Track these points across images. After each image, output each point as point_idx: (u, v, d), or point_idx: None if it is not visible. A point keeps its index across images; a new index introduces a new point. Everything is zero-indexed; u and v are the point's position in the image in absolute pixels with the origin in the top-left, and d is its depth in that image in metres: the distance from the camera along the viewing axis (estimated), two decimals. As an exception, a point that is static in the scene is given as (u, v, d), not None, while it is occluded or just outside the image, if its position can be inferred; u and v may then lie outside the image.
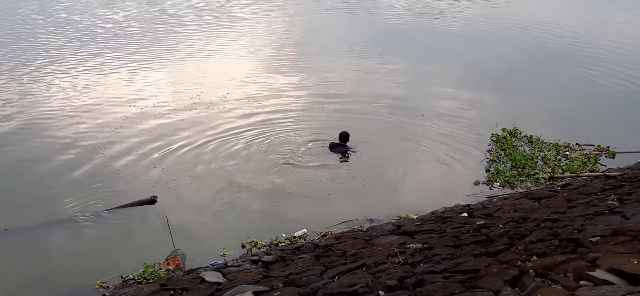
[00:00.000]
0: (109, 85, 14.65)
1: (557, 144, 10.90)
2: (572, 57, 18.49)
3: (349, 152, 10.72)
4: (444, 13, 26.85)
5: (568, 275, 3.74)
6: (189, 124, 11.91)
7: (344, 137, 10.79)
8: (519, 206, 7.58)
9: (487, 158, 10.49)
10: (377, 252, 6.03)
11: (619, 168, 9.73)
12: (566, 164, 10.09)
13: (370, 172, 10.06)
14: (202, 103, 13.16)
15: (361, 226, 8.02)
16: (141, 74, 15.81)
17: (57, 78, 15.07)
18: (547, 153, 10.59)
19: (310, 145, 11.02)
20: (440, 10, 27.59)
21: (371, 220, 8.23)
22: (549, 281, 3.72)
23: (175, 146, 10.90)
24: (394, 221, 8.04)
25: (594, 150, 10.75)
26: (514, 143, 10.90)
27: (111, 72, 15.84)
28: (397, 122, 12.27)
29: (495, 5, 28.40)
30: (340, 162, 10.50)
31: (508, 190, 9.29)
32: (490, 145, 11.04)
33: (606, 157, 10.56)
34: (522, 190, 9.21)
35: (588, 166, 10.01)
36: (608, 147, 10.78)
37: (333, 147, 10.78)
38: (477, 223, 6.53)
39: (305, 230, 7.91)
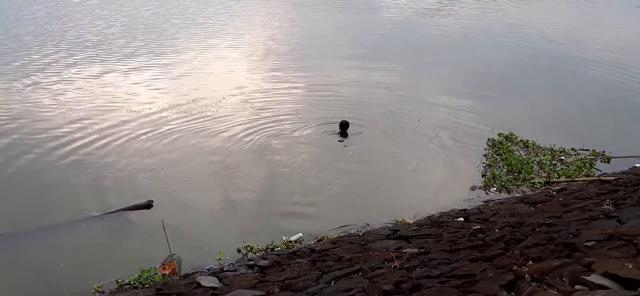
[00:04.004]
0: (105, 90, 14.60)
1: (552, 149, 10.93)
2: (567, 62, 18.57)
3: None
4: (441, 16, 26.89)
5: (563, 279, 3.75)
6: (184, 128, 11.88)
7: (344, 125, 11.60)
8: (514, 210, 7.60)
9: (483, 162, 10.51)
10: (373, 257, 6.03)
11: (614, 172, 9.76)
12: (562, 169, 10.12)
13: (366, 176, 10.06)
14: (197, 107, 13.14)
15: (357, 231, 8.02)
16: (137, 79, 15.76)
17: (52, 83, 15.00)
18: (542, 157, 10.62)
19: (306, 149, 11.04)
20: (438, 13, 27.62)
21: (367, 225, 8.23)
22: (545, 286, 3.73)
23: (171, 150, 10.89)
24: (390, 225, 8.05)
25: (589, 155, 10.78)
26: (510, 148, 10.92)
27: (107, 78, 15.78)
28: (393, 126, 12.28)
29: (505, 13, 28.38)
30: (342, 144, 11.38)
31: (504, 195, 9.31)
32: (486, 149, 11.07)
33: (601, 161, 10.59)
34: (518, 195, 9.23)
35: (583, 171, 10.04)
36: (603, 151, 10.82)
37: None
38: (473, 227, 6.55)
39: (300, 234, 7.91)
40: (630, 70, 17.12)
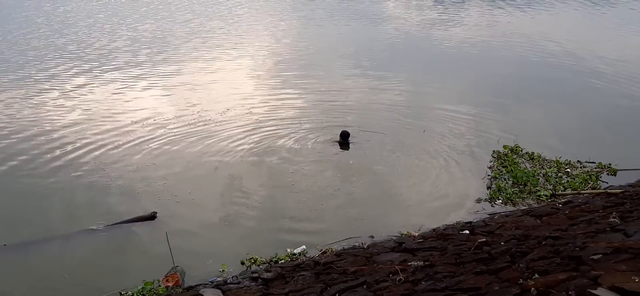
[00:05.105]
0: (109, 101, 14.69)
1: (558, 161, 10.87)
2: (572, 73, 18.53)
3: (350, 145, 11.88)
4: (446, 27, 26.94)
5: (570, 293, 3.71)
6: (189, 140, 11.92)
7: (345, 135, 11.83)
8: (520, 223, 7.55)
9: (488, 175, 10.47)
10: (378, 270, 6.00)
11: (621, 185, 9.70)
12: (567, 181, 10.07)
13: (371, 188, 10.04)
14: (202, 119, 13.18)
15: (362, 244, 7.98)
16: (142, 90, 15.86)
17: (56, 95, 15.10)
18: (548, 170, 10.56)
19: (309, 160, 11.03)
20: (444, 24, 27.67)
21: (372, 237, 8.19)
22: (551, 300, 3.69)
23: (175, 162, 10.91)
24: (395, 238, 8.01)
25: (596, 168, 10.72)
26: (515, 160, 10.88)
27: (111, 89, 15.88)
28: (398, 137, 12.26)
29: (512, 24, 28.44)
30: (344, 154, 11.46)
31: (510, 208, 9.25)
32: (491, 162, 11.02)
33: (607, 174, 10.52)
34: (523, 208, 9.17)
35: (589, 183, 9.98)
36: (609, 164, 10.75)
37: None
38: (479, 240, 6.51)
39: (304, 247, 7.89)
40: (637, 81, 17.06)
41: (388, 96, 15.55)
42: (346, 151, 11.62)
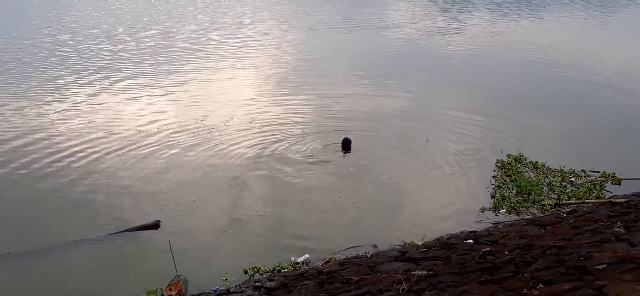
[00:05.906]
0: (113, 111, 14.75)
1: (562, 170, 10.84)
2: (576, 82, 18.47)
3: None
4: (449, 37, 26.93)
5: (575, 303, 3.69)
6: (192, 148, 11.95)
7: (346, 143, 11.94)
8: (524, 233, 7.52)
9: (492, 184, 10.44)
10: (381, 279, 5.98)
11: (625, 195, 9.66)
12: (572, 191, 10.03)
13: (374, 197, 10.03)
14: (206, 127, 13.21)
15: (365, 253, 7.97)
16: (146, 99, 15.91)
17: (60, 105, 15.16)
18: (552, 179, 10.53)
19: (311, 168, 11.03)
20: (448, 33, 27.67)
21: (375, 247, 8.17)
22: (556, 310, 3.67)
23: (178, 171, 10.93)
24: (398, 247, 7.99)
25: (600, 177, 10.68)
26: (519, 170, 10.84)
27: (115, 97, 15.96)
28: (402, 147, 12.26)
29: (500, 31, 28.48)
30: (345, 162, 11.45)
31: (514, 217, 9.22)
32: (495, 171, 10.99)
33: (612, 183, 10.48)
34: (527, 217, 9.14)
35: (594, 193, 9.94)
36: (614, 173, 10.70)
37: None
38: (483, 250, 6.48)
39: (307, 256, 7.87)
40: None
41: (391, 103, 15.54)
42: (348, 159, 11.61)
